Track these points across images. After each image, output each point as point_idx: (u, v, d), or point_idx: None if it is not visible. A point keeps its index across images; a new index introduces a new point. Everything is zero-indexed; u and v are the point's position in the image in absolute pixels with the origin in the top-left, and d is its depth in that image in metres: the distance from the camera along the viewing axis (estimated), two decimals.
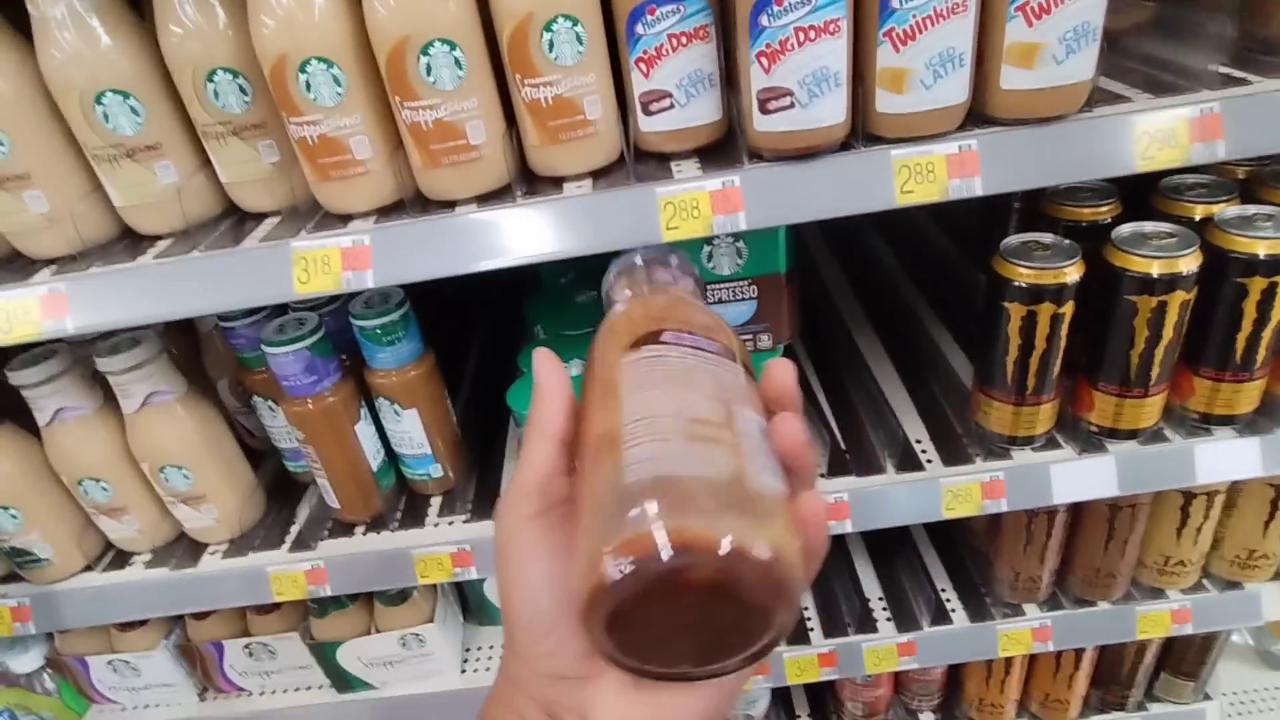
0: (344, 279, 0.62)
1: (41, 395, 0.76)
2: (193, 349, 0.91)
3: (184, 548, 0.86)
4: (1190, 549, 0.90)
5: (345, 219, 0.65)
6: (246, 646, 0.95)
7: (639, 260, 0.48)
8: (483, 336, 1.13)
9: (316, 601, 0.92)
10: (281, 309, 0.82)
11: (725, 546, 0.27)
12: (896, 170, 0.60)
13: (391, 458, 0.86)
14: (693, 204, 0.60)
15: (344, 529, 0.86)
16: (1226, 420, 0.78)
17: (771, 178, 0.61)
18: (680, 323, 0.39)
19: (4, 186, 0.63)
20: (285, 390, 0.77)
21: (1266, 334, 0.72)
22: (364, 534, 0.85)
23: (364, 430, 0.81)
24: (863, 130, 0.61)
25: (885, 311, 1.07)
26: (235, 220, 0.69)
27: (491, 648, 1.04)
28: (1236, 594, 0.93)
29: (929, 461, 0.81)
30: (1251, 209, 0.72)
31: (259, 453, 0.95)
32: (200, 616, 0.96)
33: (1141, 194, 0.81)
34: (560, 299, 0.94)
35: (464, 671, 1.00)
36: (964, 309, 1.01)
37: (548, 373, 0.39)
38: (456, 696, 0.98)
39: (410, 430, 0.82)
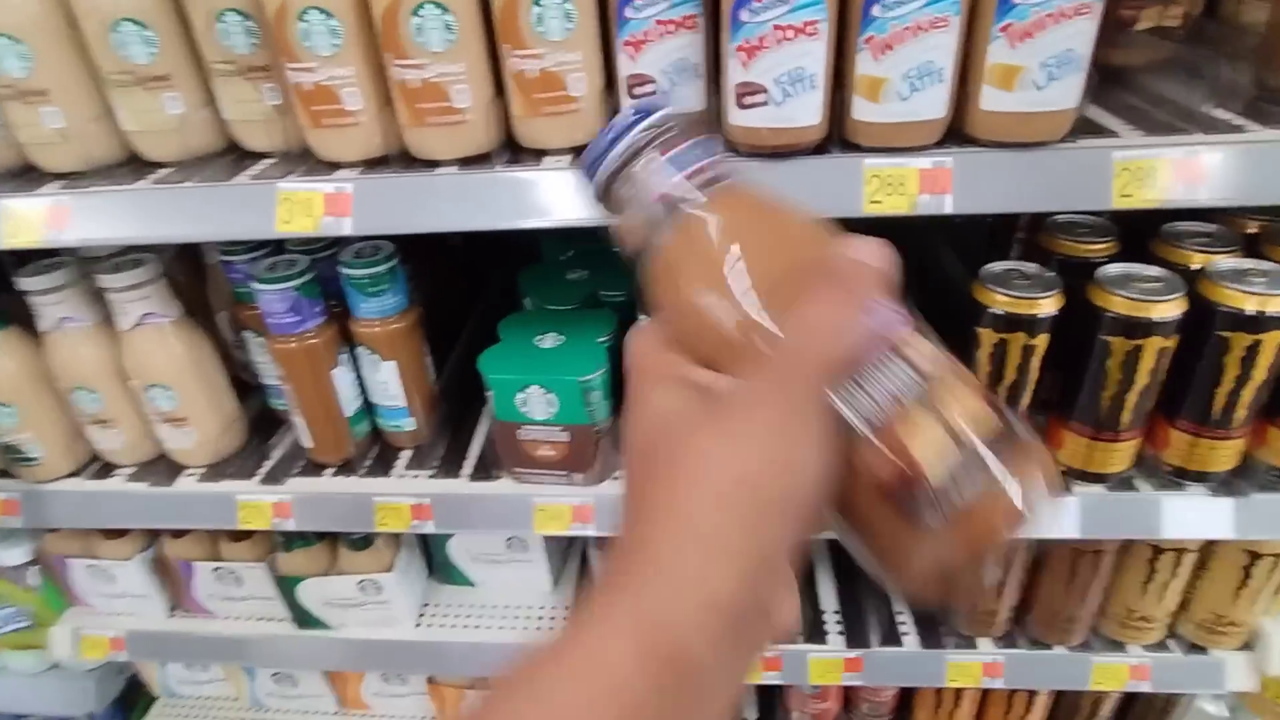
0: (323, 223, 0.65)
1: (47, 303, 0.80)
2: (198, 280, 0.95)
3: (164, 466, 0.90)
4: (1155, 605, 0.88)
5: (334, 167, 0.67)
6: (215, 570, 1.00)
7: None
8: (484, 307, 1.16)
9: (284, 535, 0.96)
10: (279, 249, 0.85)
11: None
12: (867, 179, 0.60)
13: (368, 407, 0.89)
14: None
15: (314, 469, 0.89)
16: (1201, 477, 0.76)
17: (743, 172, 0.61)
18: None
19: (25, 100, 0.67)
20: (270, 327, 0.80)
21: (1247, 392, 0.70)
22: (332, 475, 0.88)
23: (342, 376, 0.84)
24: (839, 136, 0.61)
25: None
26: (235, 157, 0.72)
27: (449, 606, 1.06)
28: (1200, 659, 0.91)
29: None
30: (1247, 263, 0.70)
31: (250, 387, 0.98)
32: (177, 535, 1.00)
33: (1143, 237, 0.79)
34: (552, 274, 0.95)
35: (419, 625, 1.03)
36: (956, 333, 1.00)
37: (887, 257, 0.31)
38: (408, 647, 1.01)
39: (387, 381, 0.85)
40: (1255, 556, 0.84)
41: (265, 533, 1.00)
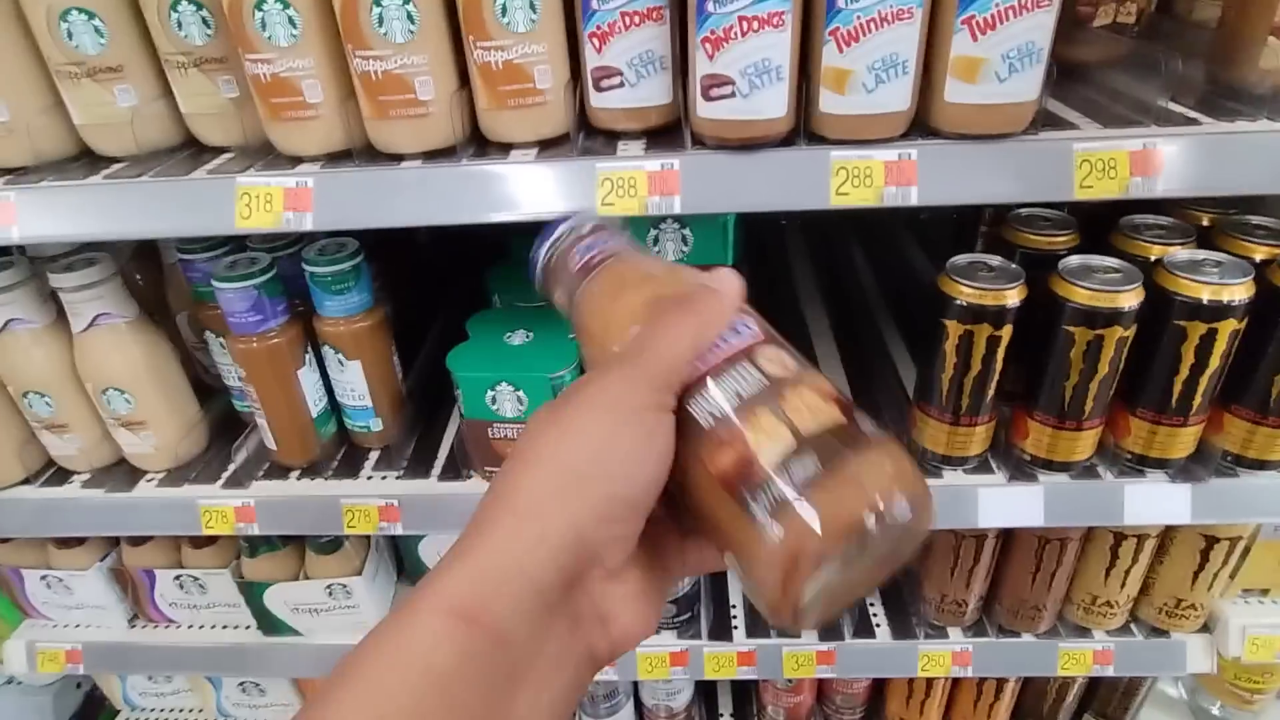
0: (285, 218, 0.63)
1: None
2: (157, 280, 0.93)
3: (122, 472, 0.88)
4: (1118, 590, 0.90)
5: (295, 161, 0.66)
6: (178, 578, 0.97)
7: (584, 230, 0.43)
8: (450, 306, 1.14)
9: (249, 540, 0.94)
10: (240, 247, 0.83)
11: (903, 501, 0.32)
12: (834, 171, 0.60)
13: (334, 407, 0.88)
14: (630, 182, 0.61)
15: (279, 471, 0.87)
16: (1160, 464, 0.78)
17: (711, 165, 0.61)
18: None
19: None
20: (231, 327, 0.78)
21: (1204, 380, 0.72)
22: (298, 478, 0.86)
23: (307, 376, 0.82)
24: (805, 129, 0.61)
25: (848, 319, 1.07)
26: (192, 152, 0.71)
27: None
28: (1162, 642, 0.93)
29: None
30: (1202, 254, 0.72)
31: (213, 390, 0.96)
32: (136, 543, 0.97)
33: (1103, 230, 0.81)
34: (521, 271, 0.94)
35: None
36: (923, 326, 1.01)
37: (736, 291, 0.37)
38: None
39: (353, 381, 0.83)
40: (1212, 540, 0.86)
41: (230, 538, 0.97)
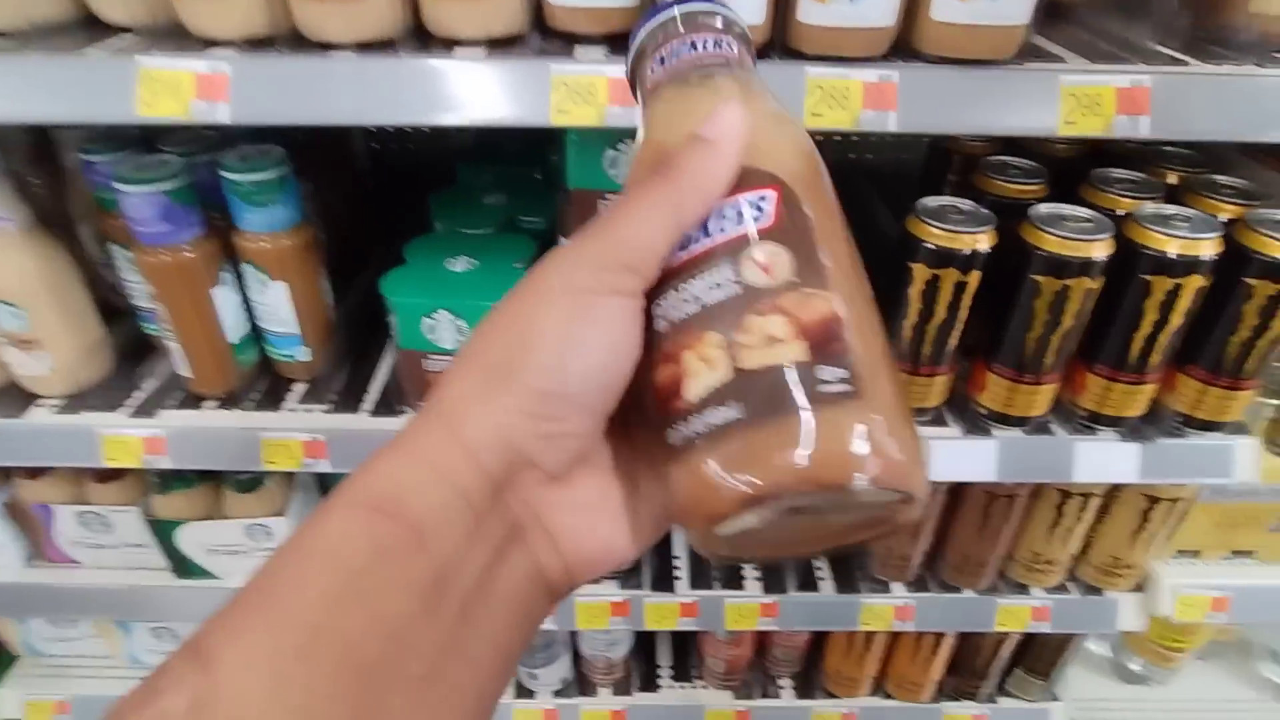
0: (194, 108, 0.56)
1: None
2: (56, 186, 0.83)
3: (13, 396, 0.79)
4: (1060, 549, 0.90)
5: (208, 45, 0.58)
6: (79, 514, 0.89)
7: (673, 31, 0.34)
8: (393, 235, 1.07)
9: (160, 476, 0.87)
10: (149, 147, 0.75)
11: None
12: (809, 89, 0.56)
13: (257, 334, 0.81)
14: (589, 88, 0.55)
15: (193, 401, 0.80)
16: (1113, 422, 0.77)
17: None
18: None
19: None
20: (138, 238, 0.70)
21: (1163, 338, 0.71)
22: (214, 409, 0.79)
23: (225, 296, 0.75)
24: (781, 42, 0.57)
25: None
26: (88, 31, 0.62)
27: None
28: (1097, 600, 0.94)
29: None
30: (1171, 209, 0.70)
31: (121, 310, 0.87)
32: (32, 475, 0.89)
33: (1073, 182, 0.79)
34: (467, 196, 0.88)
35: None
36: (883, 275, 0.98)
37: (733, 139, 0.29)
38: None
39: (277, 305, 0.76)
40: (1154, 501, 0.87)
41: (139, 473, 0.90)
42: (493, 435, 0.28)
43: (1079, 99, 0.56)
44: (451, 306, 0.70)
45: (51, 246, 0.75)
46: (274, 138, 0.74)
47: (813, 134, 0.57)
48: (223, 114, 0.56)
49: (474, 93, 0.56)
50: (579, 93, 0.55)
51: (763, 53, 0.56)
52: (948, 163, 0.89)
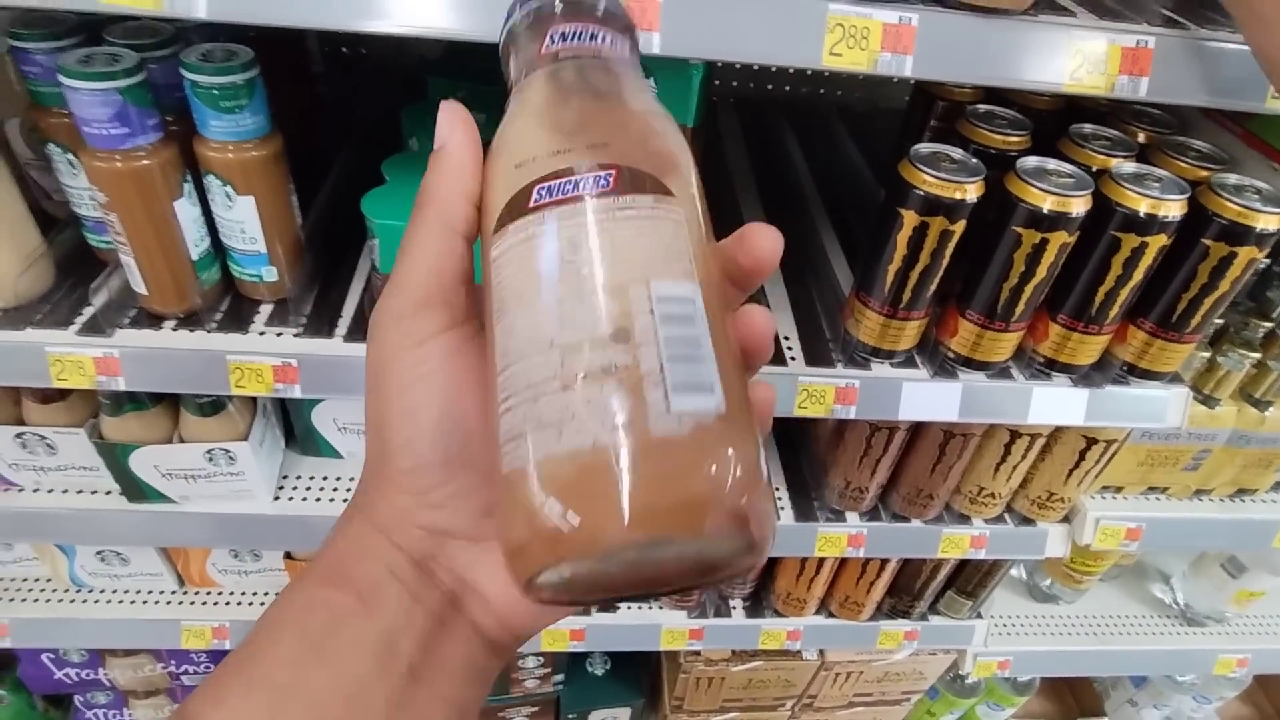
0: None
1: None
2: None
3: None
4: (1003, 484, 0.97)
5: None
6: (19, 436, 0.84)
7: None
8: (355, 147, 1.01)
9: (111, 398, 0.82)
10: (94, 39, 0.67)
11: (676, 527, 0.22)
12: (830, 27, 0.54)
13: (219, 250, 0.76)
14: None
15: (151, 320, 0.75)
16: (1066, 369, 0.82)
17: (697, 2, 0.54)
18: (589, 147, 0.27)
19: None
20: (88, 140, 0.64)
21: (1124, 291, 0.75)
22: (174, 329, 0.75)
23: (185, 209, 0.70)
24: None
25: (784, 210, 1.04)
26: None
27: (312, 478, 0.97)
28: (1029, 530, 1.02)
29: (792, 359, 0.81)
30: (1146, 169, 0.73)
31: (53, 219, 0.80)
32: None
33: (1050, 137, 0.80)
34: None
35: (277, 498, 0.94)
36: (859, 221, 1.00)
37: (455, 132, 0.29)
38: (264, 522, 0.92)
39: (243, 220, 0.72)
40: (1091, 441, 0.94)
41: (83, 394, 0.85)
42: (396, 518, 0.29)
43: (1086, 56, 0.57)
44: None
45: None
46: (225, 36, 0.68)
47: (827, 74, 0.56)
48: (198, 8, 0.51)
49: (482, 5, 0.52)
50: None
51: None
52: (931, 108, 0.89)
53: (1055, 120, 0.84)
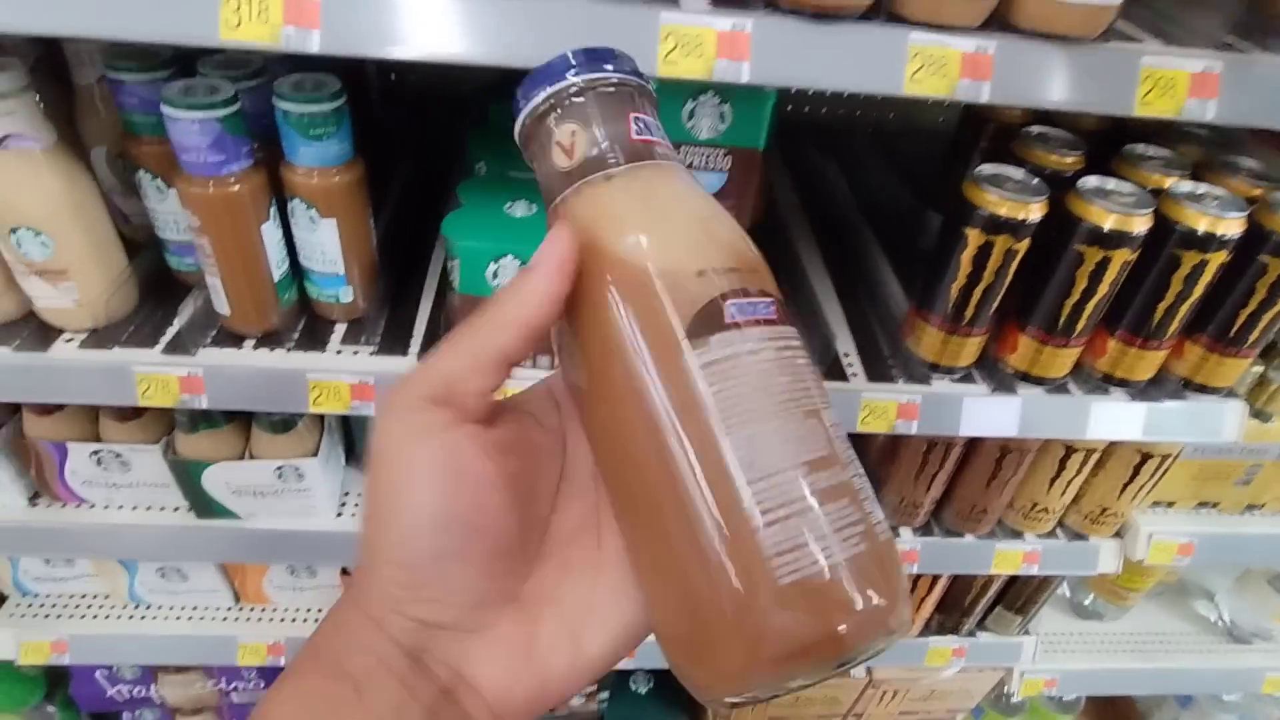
0: (284, 35, 0.53)
1: None
2: (64, 107, 0.77)
3: (32, 329, 0.75)
4: (1057, 499, 0.98)
5: None
6: (96, 453, 0.86)
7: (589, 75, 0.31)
8: (412, 165, 1.04)
9: (188, 416, 0.84)
10: (188, 70, 0.70)
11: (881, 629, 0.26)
12: (910, 55, 0.57)
13: (297, 271, 0.78)
14: (697, 40, 0.55)
15: (232, 340, 0.77)
16: (1124, 384, 0.83)
17: (784, 31, 0.56)
18: (736, 267, 0.29)
19: None
20: (184, 166, 0.67)
21: (1184, 308, 0.76)
22: (254, 348, 0.77)
23: (271, 232, 0.72)
24: (885, 6, 0.57)
25: (831, 235, 1.05)
26: None
27: None
28: (1081, 545, 1.02)
29: (853, 375, 0.82)
30: (1204, 188, 0.75)
31: (133, 243, 0.83)
32: (44, 412, 0.85)
33: (1105, 157, 0.82)
34: (506, 136, 0.86)
35: (339, 515, 0.96)
36: (906, 243, 1.01)
37: (550, 271, 0.29)
38: (328, 538, 0.94)
39: (325, 243, 0.74)
40: (1145, 456, 0.94)
41: (158, 412, 0.87)
42: (389, 609, 0.29)
43: (1156, 81, 0.59)
44: (517, 252, 0.70)
45: (78, 168, 0.71)
46: (307, 66, 0.71)
47: (906, 99, 0.58)
48: (313, 43, 0.53)
49: (582, 37, 0.55)
50: (688, 44, 0.55)
51: (866, 16, 0.57)
52: (981, 129, 0.91)
53: (1101, 140, 0.86)
